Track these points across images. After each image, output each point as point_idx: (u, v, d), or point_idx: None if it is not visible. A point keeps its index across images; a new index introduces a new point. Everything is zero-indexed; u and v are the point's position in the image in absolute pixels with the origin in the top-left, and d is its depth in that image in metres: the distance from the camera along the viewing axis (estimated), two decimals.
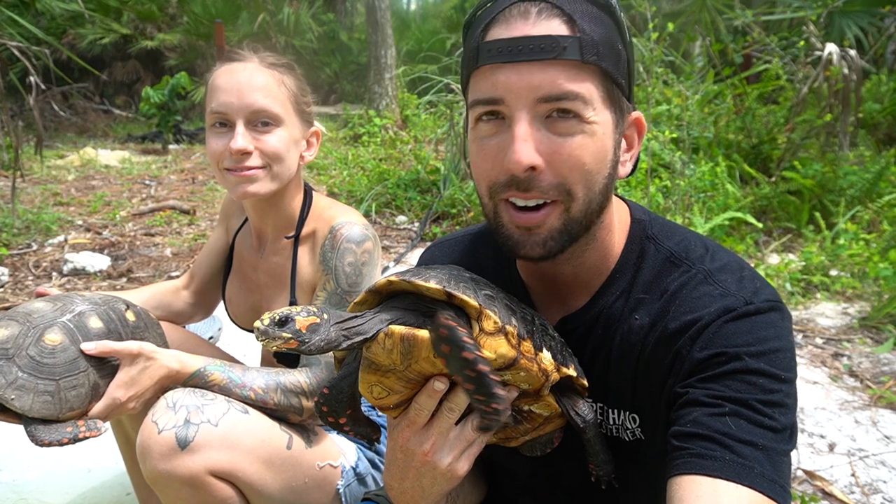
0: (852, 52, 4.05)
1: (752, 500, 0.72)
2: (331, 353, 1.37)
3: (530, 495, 1.10)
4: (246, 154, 1.36)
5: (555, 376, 0.84)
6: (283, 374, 1.37)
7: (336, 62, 15.66)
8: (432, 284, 0.77)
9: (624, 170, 0.91)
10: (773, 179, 4.47)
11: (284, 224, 1.50)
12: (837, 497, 1.89)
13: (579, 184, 0.83)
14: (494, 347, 0.77)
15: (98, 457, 2.09)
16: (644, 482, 0.95)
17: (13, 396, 1.14)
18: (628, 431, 0.94)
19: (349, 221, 1.42)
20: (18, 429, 2.23)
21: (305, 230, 1.48)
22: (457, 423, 0.84)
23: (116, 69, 12.11)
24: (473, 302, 0.77)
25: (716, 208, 4.12)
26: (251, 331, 1.66)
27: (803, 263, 3.55)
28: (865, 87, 5.33)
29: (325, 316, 0.76)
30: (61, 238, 4.35)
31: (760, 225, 3.91)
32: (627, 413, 0.93)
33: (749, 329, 0.82)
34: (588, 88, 0.81)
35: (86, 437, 1.19)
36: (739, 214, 3.84)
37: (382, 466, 1.62)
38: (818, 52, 4.15)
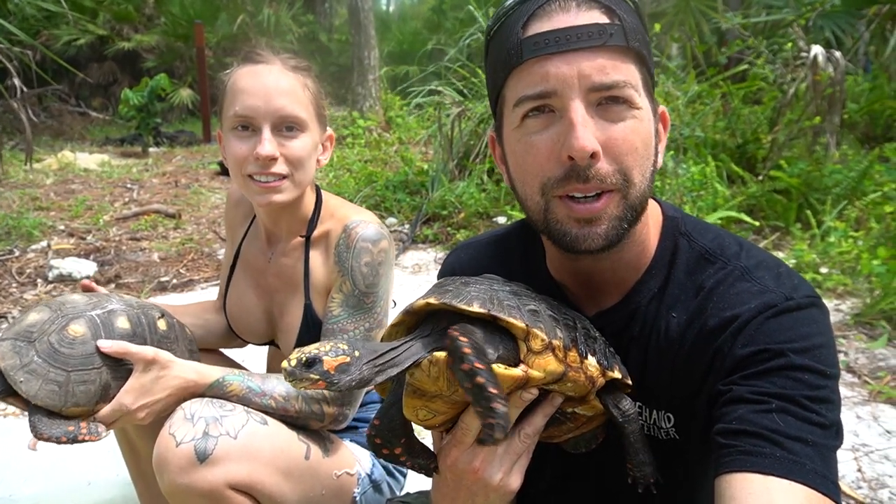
0: (837, 54, 4.12)
1: (806, 497, 0.71)
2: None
3: (557, 496, 1.09)
4: (273, 160, 1.32)
5: (600, 381, 0.83)
6: None
7: (316, 63, 15.49)
8: (476, 308, 0.75)
9: (659, 162, 0.90)
10: (761, 178, 4.52)
11: (297, 226, 1.47)
12: (846, 493, 1.91)
13: (635, 168, 0.83)
14: (543, 366, 0.76)
15: (98, 469, 2.03)
16: (676, 483, 0.93)
17: (22, 379, 1.13)
18: (662, 431, 0.93)
19: (363, 220, 1.39)
20: (13, 442, 2.17)
21: (318, 231, 1.45)
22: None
23: (92, 71, 11.87)
24: (520, 324, 0.75)
25: (705, 208, 4.15)
26: (266, 343, 1.60)
27: (794, 261, 3.59)
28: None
29: (357, 353, 0.73)
30: (44, 243, 4.24)
31: (757, 223, 3.95)
32: (662, 412, 0.92)
33: (791, 325, 0.82)
34: (633, 74, 0.82)
35: (84, 440, 1.17)
36: (734, 213, 3.88)
37: (397, 473, 1.60)
38: (804, 54, 4.21)
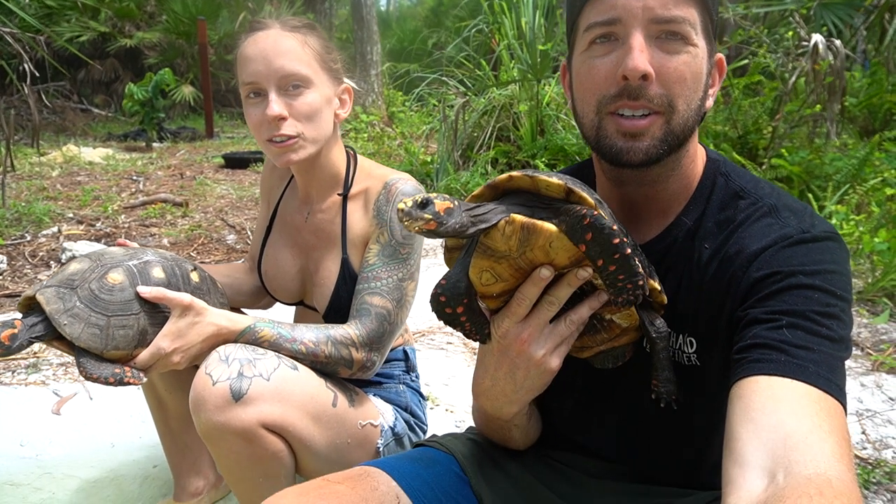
0: (837, 42, 4.18)
1: (807, 393, 0.74)
2: (382, 304, 1.40)
3: (578, 429, 1.14)
4: (282, 120, 1.37)
5: None
6: (332, 327, 1.39)
7: (336, 44, 15.53)
8: (554, 180, 0.82)
9: (708, 103, 0.97)
10: (763, 167, 4.58)
11: (330, 182, 1.52)
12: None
13: (681, 97, 0.91)
14: None
15: (121, 432, 2.08)
16: (698, 409, 0.98)
17: (66, 322, 1.19)
18: (685, 356, 0.98)
19: (403, 178, 1.46)
20: (38, 408, 2.22)
21: (356, 188, 1.50)
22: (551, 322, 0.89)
23: (94, 68, 11.90)
24: (591, 199, 0.81)
25: None
26: (296, 304, 1.65)
27: None
28: None
29: (456, 202, 0.80)
30: (54, 229, 4.29)
31: None
32: (686, 336, 0.97)
33: (805, 252, 0.87)
34: (692, 14, 0.90)
35: (129, 383, 1.24)
36: None
37: (418, 429, 1.65)
38: (805, 43, 4.27)
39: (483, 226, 0.80)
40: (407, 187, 1.44)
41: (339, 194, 1.51)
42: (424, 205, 0.77)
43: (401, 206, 0.77)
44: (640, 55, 0.88)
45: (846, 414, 0.77)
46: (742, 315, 0.86)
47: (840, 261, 0.88)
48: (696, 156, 1.01)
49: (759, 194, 0.96)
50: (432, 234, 0.78)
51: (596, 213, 0.78)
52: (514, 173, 0.85)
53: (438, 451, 1.15)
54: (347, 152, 1.56)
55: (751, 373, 0.78)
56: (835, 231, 0.91)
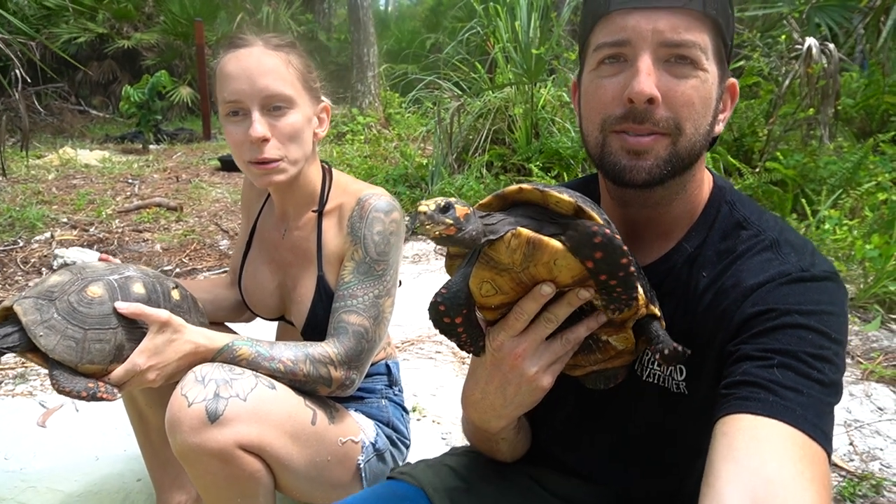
0: (831, 46, 4.17)
1: (791, 437, 0.73)
2: (359, 321, 1.39)
3: (567, 447, 1.13)
4: (264, 141, 1.36)
5: (642, 311, 0.87)
6: (310, 345, 1.38)
7: (315, 62, 15.53)
8: (565, 197, 0.81)
9: (718, 128, 0.96)
10: (757, 170, 4.57)
11: (306, 200, 1.51)
12: (838, 465, 1.95)
13: (689, 121, 0.89)
14: None
15: (106, 445, 2.07)
16: (682, 437, 0.98)
17: (41, 334, 1.18)
18: (674, 383, 0.97)
19: (376, 193, 1.45)
20: (23, 420, 2.21)
21: (331, 204, 1.49)
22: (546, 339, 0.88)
23: (92, 69, 11.88)
24: (599, 220, 0.80)
25: None
26: (277, 319, 1.64)
27: None
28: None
29: (472, 209, 0.79)
30: (47, 235, 4.28)
31: None
32: (676, 364, 0.96)
33: (802, 292, 0.85)
34: (704, 39, 0.88)
35: (102, 398, 1.22)
36: None
37: (401, 444, 1.64)
38: (798, 47, 4.26)
39: (493, 237, 0.79)
40: (381, 203, 1.43)
41: (313, 211, 1.50)
42: (446, 209, 0.75)
43: (423, 208, 0.75)
44: (647, 79, 0.86)
45: (830, 462, 0.76)
46: (733, 350, 0.85)
47: (837, 302, 0.87)
48: (703, 181, 0.99)
49: (762, 226, 0.95)
50: (448, 240, 0.76)
51: (607, 231, 0.77)
52: (525, 186, 0.83)
53: (408, 486, 1.14)
54: (323, 167, 1.55)
55: (737, 410, 0.78)
56: (835, 271, 0.90)
